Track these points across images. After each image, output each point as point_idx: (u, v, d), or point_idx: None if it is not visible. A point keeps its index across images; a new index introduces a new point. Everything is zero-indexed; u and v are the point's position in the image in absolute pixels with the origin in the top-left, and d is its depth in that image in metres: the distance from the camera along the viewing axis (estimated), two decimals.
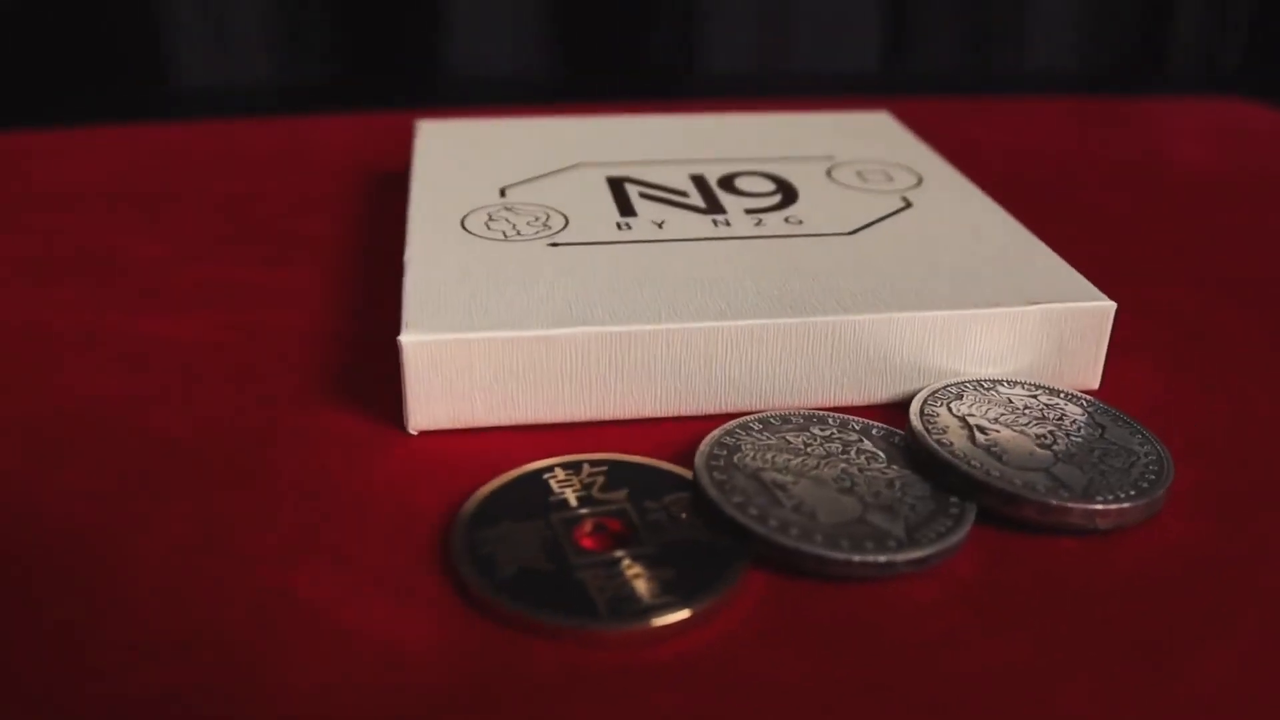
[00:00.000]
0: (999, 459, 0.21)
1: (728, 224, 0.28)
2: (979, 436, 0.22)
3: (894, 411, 0.24)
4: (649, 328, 0.23)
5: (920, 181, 0.31)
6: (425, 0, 0.57)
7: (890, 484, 0.21)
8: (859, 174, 0.31)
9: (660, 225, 0.27)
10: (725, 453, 0.22)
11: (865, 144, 0.33)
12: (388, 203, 0.35)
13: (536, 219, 0.28)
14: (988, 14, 0.63)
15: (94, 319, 0.27)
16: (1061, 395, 0.24)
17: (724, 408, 0.24)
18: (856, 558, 0.19)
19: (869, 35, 0.63)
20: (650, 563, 0.19)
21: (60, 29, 0.54)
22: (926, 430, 0.22)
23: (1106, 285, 0.30)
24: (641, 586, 0.19)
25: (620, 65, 0.61)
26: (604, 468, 0.22)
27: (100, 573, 0.19)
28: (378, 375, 0.25)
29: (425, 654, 0.18)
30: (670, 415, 0.24)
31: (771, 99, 0.47)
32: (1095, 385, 0.25)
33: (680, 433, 0.23)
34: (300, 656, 0.18)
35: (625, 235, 0.27)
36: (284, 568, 0.19)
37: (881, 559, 0.19)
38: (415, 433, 0.23)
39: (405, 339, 0.22)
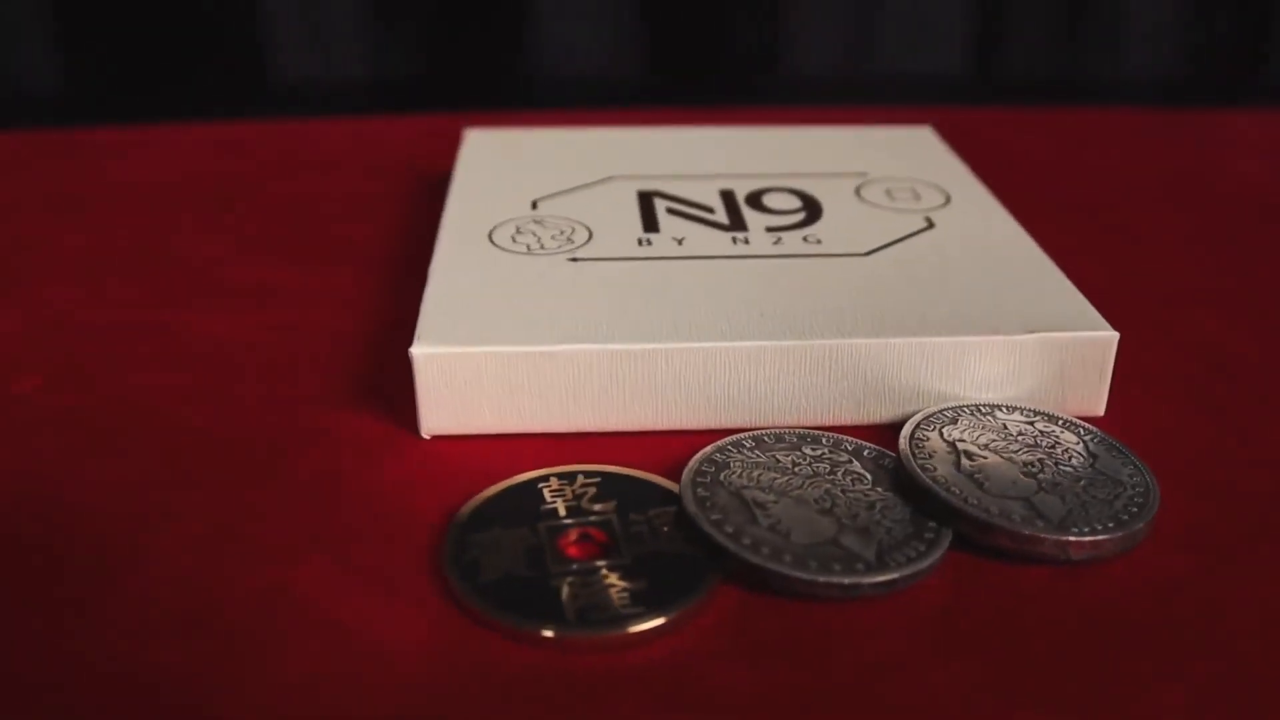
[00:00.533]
0: (980, 486, 0.22)
1: (746, 242, 0.28)
2: (964, 462, 0.22)
3: (894, 433, 0.24)
4: (647, 346, 0.24)
5: (948, 201, 0.31)
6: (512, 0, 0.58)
7: (871, 506, 0.22)
8: (887, 192, 0.32)
9: (680, 242, 0.28)
10: (713, 469, 0.22)
11: (900, 161, 0.34)
12: (438, 208, 0.36)
13: (561, 233, 0.29)
14: (1082, 18, 0.62)
15: (149, 315, 0.29)
16: (1060, 423, 0.24)
17: (725, 424, 0.25)
18: (821, 578, 0.20)
19: (958, 37, 0.63)
20: (625, 573, 0.20)
21: (162, 24, 0.57)
22: (913, 454, 0.22)
23: (1135, 310, 0.30)
24: (612, 596, 0.20)
25: (704, 66, 0.62)
26: (597, 479, 0.23)
27: (121, 557, 0.21)
28: (400, 379, 0.26)
29: (408, 652, 0.19)
30: (673, 429, 0.25)
31: (847, 106, 0.48)
32: (1100, 412, 0.25)
33: (683, 447, 0.24)
34: (291, 647, 0.19)
35: (645, 251, 0.28)
36: (287, 562, 0.21)
37: (846, 581, 0.20)
38: (428, 437, 0.24)
39: (416, 350, 0.23)
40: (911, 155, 0.34)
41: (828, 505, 0.22)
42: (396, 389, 0.26)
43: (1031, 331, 0.24)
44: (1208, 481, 0.23)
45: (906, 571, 0.20)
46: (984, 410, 0.24)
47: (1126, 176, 0.40)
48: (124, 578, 0.20)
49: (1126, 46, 0.62)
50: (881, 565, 0.20)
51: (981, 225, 0.29)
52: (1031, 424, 0.24)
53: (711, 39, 0.61)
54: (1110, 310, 0.30)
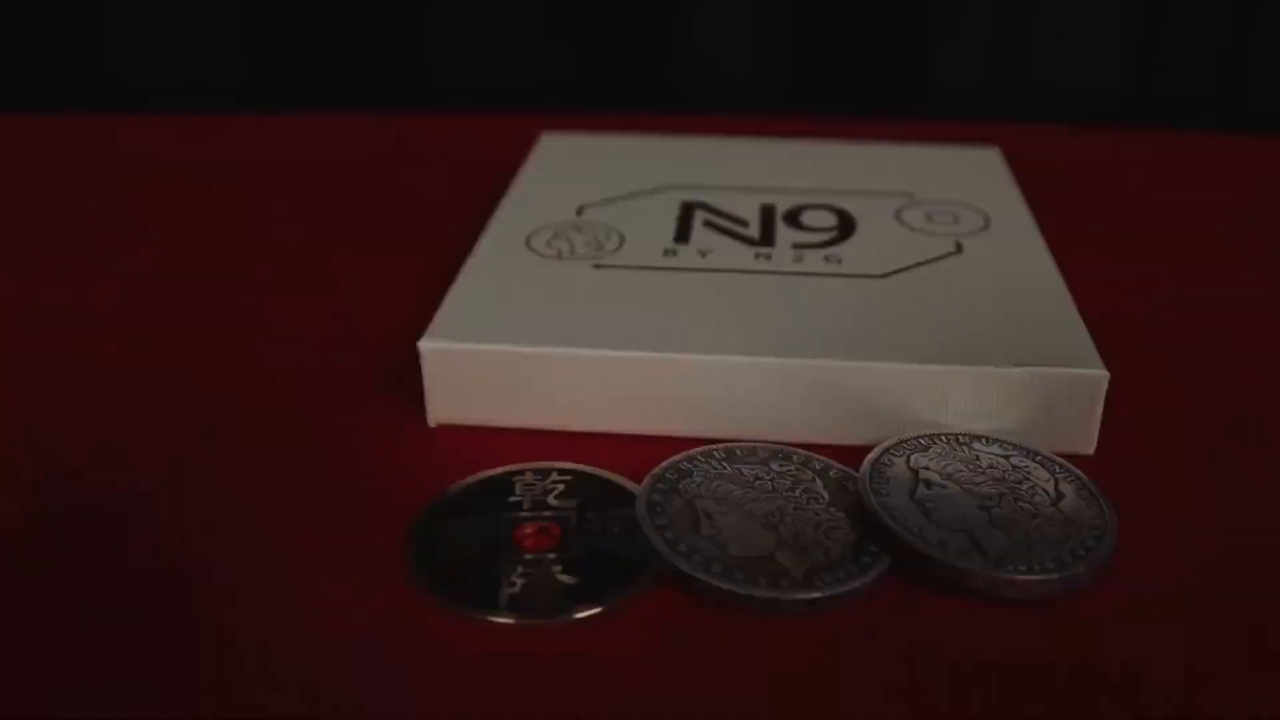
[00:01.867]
0: (928, 515, 0.22)
1: (769, 258, 0.29)
2: (920, 490, 0.23)
3: None
4: (632, 355, 0.25)
5: (985, 226, 0.31)
6: (663, 2, 0.60)
7: (817, 526, 0.22)
8: (927, 214, 0.32)
9: (705, 255, 0.29)
10: (675, 477, 0.24)
11: (953, 182, 0.34)
12: None
13: (595, 239, 0.30)
14: (1249, 38, 0.59)
15: (226, 297, 0.33)
16: (1037, 458, 0.24)
17: (709, 433, 0.26)
18: (741, 590, 0.21)
19: (1115, 51, 0.61)
20: (566, 568, 0.22)
21: (327, 20, 0.61)
22: (870, 478, 0.23)
23: (1163, 349, 0.29)
24: (547, 588, 0.21)
25: (853, 75, 0.62)
26: (568, 477, 0.24)
27: (138, 515, 0.24)
28: (420, 370, 0.29)
29: (358, 623, 0.21)
30: (661, 435, 0.26)
31: (991, 119, 0.47)
32: (1090, 451, 0.25)
33: (668, 452, 0.25)
34: (256, 609, 0.21)
35: (669, 262, 0.29)
36: (277, 533, 0.23)
37: (765, 595, 0.21)
38: (434, 426, 0.26)
39: (423, 345, 0.26)
40: (967, 177, 0.34)
41: (774, 521, 0.22)
42: (417, 378, 0.28)
43: (1018, 365, 0.24)
44: (1181, 531, 0.23)
45: (830, 592, 0.21)
46: (962, 440, 0.25)
47: (1218, 208, 0.39)
48: (136, 533, 0.23)
49: None
50: (807, 584, 0.21)
51: (1010, 253, 0.29)
52: (1006, 457, 0.24)
53: (861, 48, 0.61)
54: (1136, 349, 0.29)
